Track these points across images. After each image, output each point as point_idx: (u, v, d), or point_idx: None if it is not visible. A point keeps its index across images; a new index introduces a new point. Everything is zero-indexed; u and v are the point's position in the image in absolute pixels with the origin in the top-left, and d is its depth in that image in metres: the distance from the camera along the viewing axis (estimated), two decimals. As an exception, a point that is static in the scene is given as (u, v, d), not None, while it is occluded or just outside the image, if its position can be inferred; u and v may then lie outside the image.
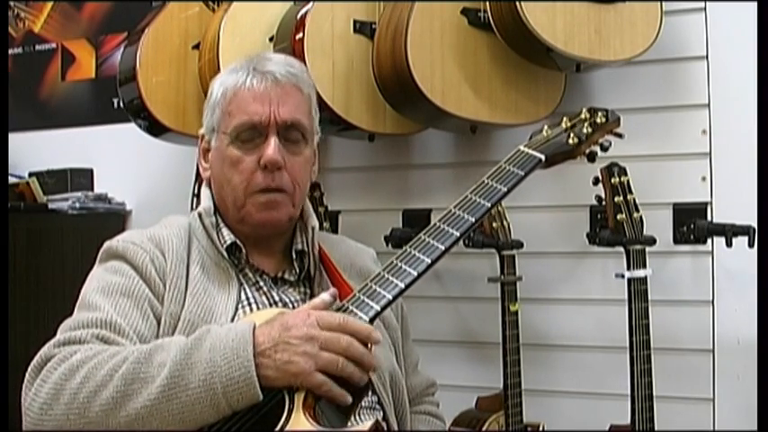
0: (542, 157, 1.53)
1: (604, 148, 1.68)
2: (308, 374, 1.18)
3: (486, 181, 1.46)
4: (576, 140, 1.61)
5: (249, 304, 1.43)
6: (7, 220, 2.29)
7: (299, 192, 1.49)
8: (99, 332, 1.29)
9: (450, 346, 2.39)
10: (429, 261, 1.33)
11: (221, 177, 1.49)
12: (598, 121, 1.67)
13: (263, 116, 1.44)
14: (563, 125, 1.63)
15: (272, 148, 1.43)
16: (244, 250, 1.48)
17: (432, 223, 1.40)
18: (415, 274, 1.31)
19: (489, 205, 1.42)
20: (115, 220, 2.81)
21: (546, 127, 1.62)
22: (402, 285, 1.30)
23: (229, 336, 1.21)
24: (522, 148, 1.54)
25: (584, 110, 1.68)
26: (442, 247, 1.35)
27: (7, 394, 1.36)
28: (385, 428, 1.21)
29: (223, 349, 1.19)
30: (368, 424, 1.17)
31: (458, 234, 1.37)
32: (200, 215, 1.50)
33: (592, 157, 1.68)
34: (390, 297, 1.29)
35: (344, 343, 1.21)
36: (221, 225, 1.50)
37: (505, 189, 1.45)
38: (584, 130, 1.63)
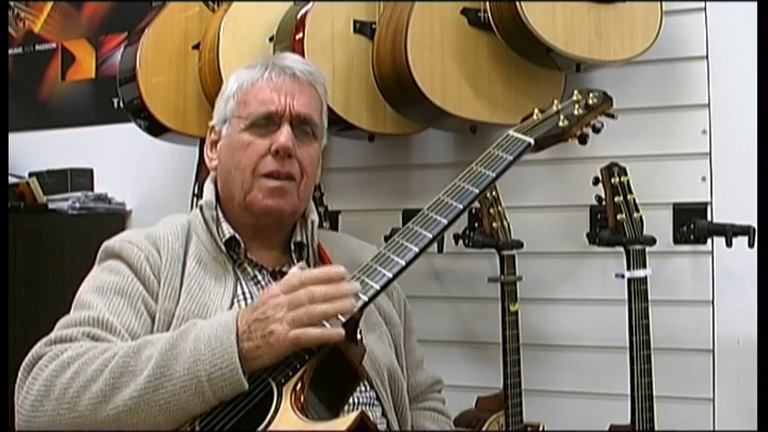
0: (531, 141, 1.51)
1: (596, 130, 1.65)
2: (284, 337, 1.20)
3: (474, 167, 1.45)
4: (566, 123, 1.58)
5: (245, 299, 1.44)
6: (7, 220, 2.28)
7: (306, 182, 1.50)
8: (90, 330, 1.31)
9: (451, 346, 2.38)
10: (417, 250, 1.32)
11: (230, 162, 1.50)
12: (590, 102, 1.64)
13: (279, 106, 1.47)
14: (554, 108, 1.61)
15: (284, 135, 1.46)
16: (242, 245, 1.49)
17: (420, 212, 1.39)
18: (403, 263, 1.31)
19: (477, 191, 1.41)
20: (115, 220, 2.80)
21: (536, 110, 1.60)
22: (390, 275, 1.30)
23: (213, 326, 1.23)
24: (511, 132, 1.53)
25: (575, 91, 1.66)
26: (430, 236, 1.34)
27: (7, 394, 1.36)
28: (371, 420, 1.20)
29: (207, 338, 1.21)
30: (352, 416, 1.17)
31: (446, 222, 1.36)
32: (201, 208, 1.52)
33: (583, 140, 1.64)
34: (378, 287, 1.29)
35: (307, 294, 1.22)
36: (221, 219, 1.51)
37: (494, 174, 1.44)
38: (576, 112, 1.61)
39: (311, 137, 1.51)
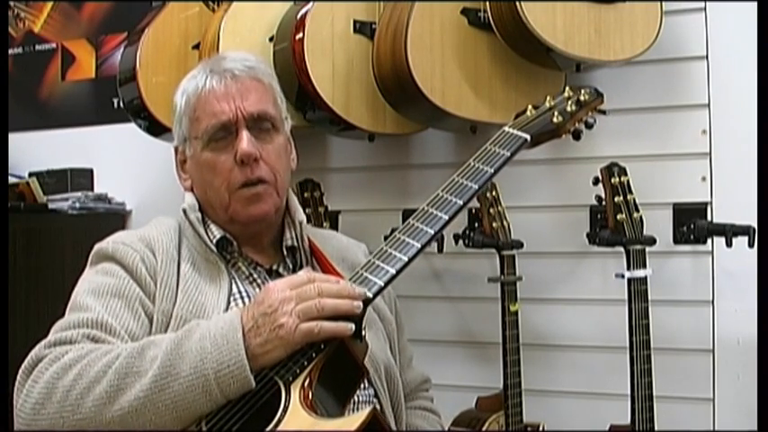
0: (527, 137, 1.53)
1: (589, 126, 1.68)
2: (294, 329, 1.20)
3: (472, 163, 1.47)
4: (560, 119, 1.61)
5: (241, 298, 1.44)
6: (7, 220, 2.28)
7: (280, 180, 1.49)
8: (90, 332, 1.30)
9: (451, 346, 2.39)
10: (419, 245, 1.33)
11: (202, 183, 1.50)
12: (581, 98, 1.67)
13: (231, 114, 1.45)
14: (546, 104, 1.64)
15: (244, 141, 1.44)
16: (235, 243, 1.49)
17: (420, 208, 1.39)
18: (406, 259, 1.31)
19: (477, 187, 1.42)
20: (115, 220, 2.80)
21: (530, 107, 1.63)
22: (393, 271, 1.30)
23: (218, 324, 1.23)
24: (506, 128, 1.55)
25: (566, 88, 1.69)
26: (432, 231, 1.35)
27: (7, 394, 1.36)
28: (382, 417, 1.21)
29: (213, 337, 1.21)
30: (365, 412, 1.17)
31: (446, 217, 1.37)
32: (184, 211, 1.51)
33: (577, 135, 1.68)
34: (381, 284, 1.29)
35: (316, 288, 1.22)
36: (209, 221, 1.51)
37: (492, 170, 1.45)
38: (568, 109, 1.64)
39: (272, 131, 1.49)
